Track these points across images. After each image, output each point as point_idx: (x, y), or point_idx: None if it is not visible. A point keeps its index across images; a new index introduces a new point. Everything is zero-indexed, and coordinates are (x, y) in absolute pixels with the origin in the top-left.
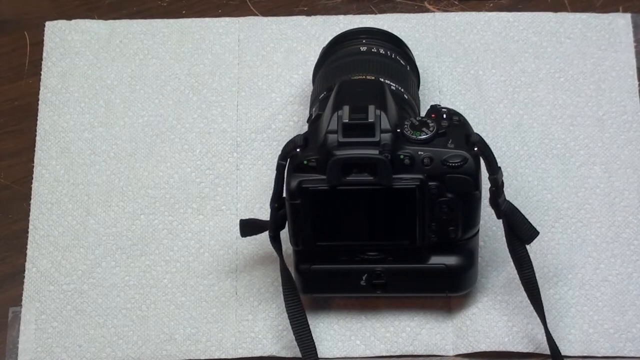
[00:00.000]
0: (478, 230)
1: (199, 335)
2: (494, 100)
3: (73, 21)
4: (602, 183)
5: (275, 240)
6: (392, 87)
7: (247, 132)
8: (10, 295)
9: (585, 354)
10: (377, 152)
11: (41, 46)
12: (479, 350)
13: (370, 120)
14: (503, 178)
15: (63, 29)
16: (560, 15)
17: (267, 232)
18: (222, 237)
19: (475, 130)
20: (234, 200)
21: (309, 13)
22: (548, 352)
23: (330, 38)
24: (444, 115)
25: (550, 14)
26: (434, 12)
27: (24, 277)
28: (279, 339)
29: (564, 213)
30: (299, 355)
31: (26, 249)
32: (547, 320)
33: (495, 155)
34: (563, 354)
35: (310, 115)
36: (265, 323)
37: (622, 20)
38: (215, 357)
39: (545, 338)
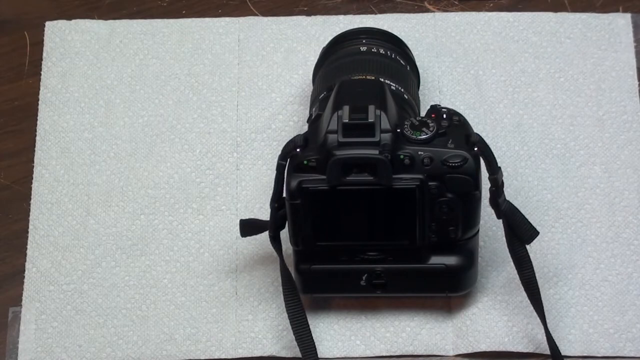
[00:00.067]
0: (478, 230)
1: (199, 335)
2: (494, 100)
3: (73, 21)
4: (602, 183)
5: (275, 240)
6: (392, 87)
7: (247, 132)
8: (10, 295)
9: (585, 354)
10: (377, 152)
11: (41, 46)
12: (479, 350)
13: (370, 120)
14: (503, 178)
15: (63, 29)
16: (560, 15)
17: (267, 232)
18: (222, 237)
19: (475, 130)
20: (234, 200)
21: (309, 13)
22: (548, 352)
23: (330, 38)
24: (444, 115)
25: (550, 14)
26: (434, 12)
27: (24, 277)
28: (279, 339)
29: (564, 213)
30: (299, 355)
31: (26, 249)
32: (547, 320)
33: (495, 155)
34: (563, 354)
35: (310, 115)
36: (265, 323)
37: (622, 20)
38: (215, 357)
39: (545, 338)
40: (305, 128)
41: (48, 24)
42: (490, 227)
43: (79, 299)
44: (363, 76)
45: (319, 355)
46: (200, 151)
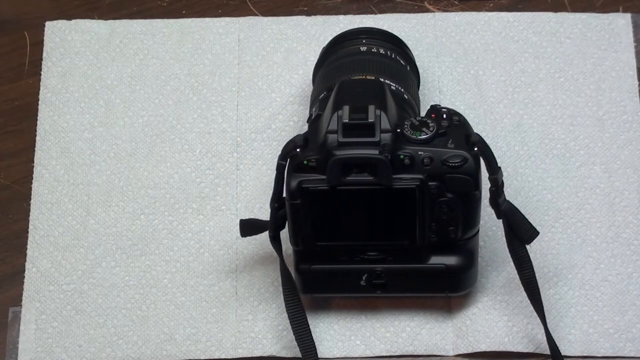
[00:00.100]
0: (478, 230)
1: (199, 335)
2: (494, 100)
3: (73, 21)
4: (602, 183)
5: (275, 240)
6: (392, 87)
7: (247, 132)
8: (10, 295)
9: (585, 354)
10: (377, 152)
11: (41, 46)
12: (479, 350)
13: (370, 120)
14: (503, 178)
15: (63, 29)
16: (560, 15)
17: (267, 232)
18: (222, 237)
19: (475, 130)
20: (234, 200)
21: (309, 13)
22: (548, 352)
23: (330, 38)
24: (444, 115)
25: (550, 14)
26: (434, 12)
27: (24, 277)
28: (279, 339)
29: (564, 213)
30: (299, 355)
31: (26, 249)
32: (547, 320)
33: (495, 155)
34: (563, 354)
35: (310, 115)
36: (265, 323)
37: (622, 20)
38: (215, 357)
39: (545, 338)
40: (305, 128)
41: (48, 24)
42: (490, 227)
43: (79, 299)
44: (363, 76)
45: (319, 355)
46: (200, 151)
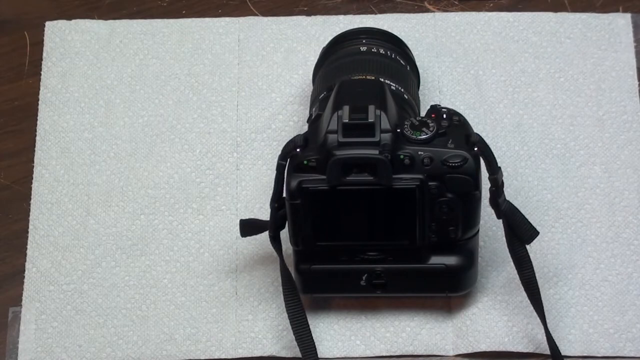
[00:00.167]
0: (478, 230)
1: (199, 335)
2: (494, 100)
3: (73, 21)
4: (602, 183)
5: (275, 240)
6: (392, 87)
7: (247, 132)
8: (10, 295)
9: (585, 354)
10: (377, 152)
11: (41, 46)
12: (479, 350)
13: (370, 120)
14: (503, 178)
15: (63, 29)
16: (560, 15)
17: (267, 232)
18: (222, 237)
19: (475, 130)
20: (234, 200)
21: (309, 13)
22: (548, 352)
23: (330, 38)
24: (444, 115)
25: (550, 14)
26: (434, 12)
27: (24, 277)
28: (279, 339)
29: (564, 213)
30: (299, 355)
31: (26, 249)
32: (547, 320)
33: (495, 155)
34: (563, 354)
35: (310, 115)
36: (265, 323)
37: (622, 20)
38: (215, 357)
39: (545, 338)
40: (305, 128)
41: (48, 24)
42: (490, 227)
43: (79, 299)
44: (363, 76)
45: (319, 355)
46: (200, 151)
